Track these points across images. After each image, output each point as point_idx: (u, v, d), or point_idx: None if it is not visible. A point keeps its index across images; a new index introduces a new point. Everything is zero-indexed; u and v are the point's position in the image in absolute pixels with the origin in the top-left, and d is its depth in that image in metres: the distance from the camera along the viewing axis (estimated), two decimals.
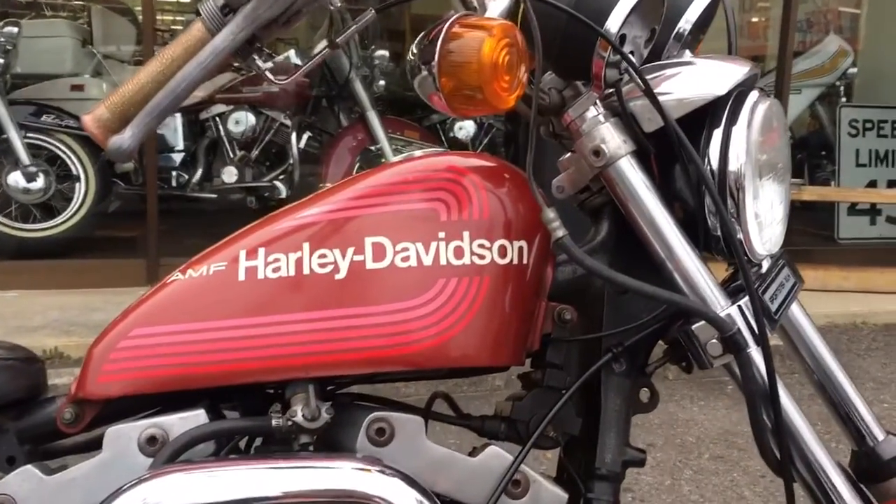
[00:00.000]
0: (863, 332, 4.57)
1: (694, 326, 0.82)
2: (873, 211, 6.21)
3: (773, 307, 0.86)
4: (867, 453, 0.97)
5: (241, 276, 0.82)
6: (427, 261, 0.82)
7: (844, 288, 5.05)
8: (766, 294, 0.87)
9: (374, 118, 4.80)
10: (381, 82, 5.31)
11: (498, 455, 0.85)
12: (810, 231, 6.57)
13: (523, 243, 0.86)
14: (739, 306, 0.82)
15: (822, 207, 6.65)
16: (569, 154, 0.91)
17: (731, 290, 0.87)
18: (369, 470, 0.75)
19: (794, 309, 1.00)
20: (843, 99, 6.44)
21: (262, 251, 0.83)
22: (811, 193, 5.53)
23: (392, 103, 5.62)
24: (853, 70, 6.43)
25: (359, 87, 4.86)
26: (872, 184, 6.21)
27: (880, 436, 0.98)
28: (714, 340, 0.81)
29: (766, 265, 0.94)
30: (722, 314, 0.81)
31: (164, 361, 0.81)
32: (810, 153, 7.32)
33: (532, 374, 0.94)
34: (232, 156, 4.92)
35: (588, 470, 0.90)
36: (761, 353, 0.81)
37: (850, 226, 6.14)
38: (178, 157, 5.03)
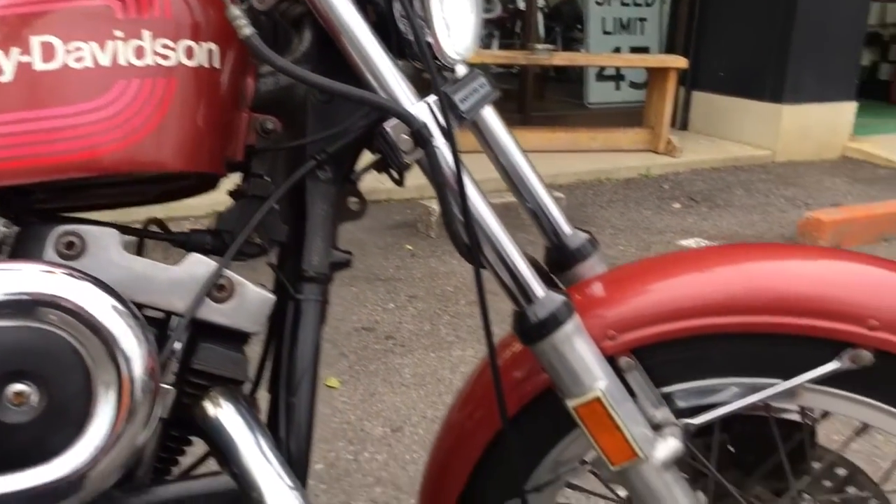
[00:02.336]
0: (606, 186, 4.99)
1: (387, 125, 0.85)
2: (618, 77, 6.68)
3: (463, 107, 0.91)
4: (557, 246, 1.08)
5: None
6: (104, 61, 0.77)
7: (592, 148, 5.45)
8: (458, 95, 0.91)
9: None
10: None
11: (202, 262, 0.85)
12: (563, 98, 6.98)
13: (213, 46, 0.83)
14: (427, 103, 0.86)
15: (574, 77, 7.05)
16: None
17: (426, 94, 0.90)
18: (53, 272, 0.72)
19: (490, 118, 1.06)
20: None
21: None
22: (561, 59, 5.83)
23: None
24: None
25: None
26: (617, 50, 6.66)
27: (568, 231, 1.08)
28: (404, 136, 0.84)
29: (461, 72, 0.98)
30: (411, 110, 0.85)
31: None
32: (565, 24, 7.67)
33: (239, 187, 0.94)
34: None
35: (296, 273, 0.93)
36: (449, 146, 0.86)
37: (598, 91, 6.59)
38: None
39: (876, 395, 0.89)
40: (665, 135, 5.49)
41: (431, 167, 0.86)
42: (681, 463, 1.07)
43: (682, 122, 6.25)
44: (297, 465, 0.89)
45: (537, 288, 0.91)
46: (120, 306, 0.75)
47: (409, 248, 3.79)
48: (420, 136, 0.84)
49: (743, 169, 5.52)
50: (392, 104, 0.84)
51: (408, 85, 0.87)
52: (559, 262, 1.07)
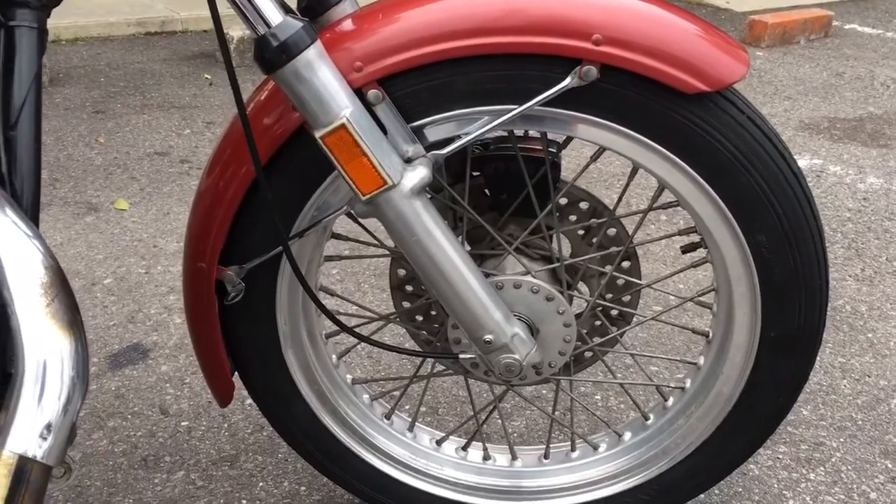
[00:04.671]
0: None
1: None
2: None
3: None
4: None
5: None
6: None
7: None
8: None
9: None
10: None
11: None
12: None
13: None
14: None
15: None
16: None
17: None
18: None
19: None
20: None
21: None
22: None
23: None
24: None
25: None
26: None
27: None
28: None
29: None
30: None
31: None
32: None
33: None
34: None
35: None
36: None
37: None
38: None
39: (605, 113, 0.94)
40: None
41: None
42: (441, 210, 1.12)
43: None
44: (24, 204, 0.84)
45: (275, 13, 0.88)
46: None
47: (208, 77, 3.60)
48: None
49: None
50: None
51: None
52: (312, 8, 1.04)
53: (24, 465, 0.74)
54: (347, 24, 0.97)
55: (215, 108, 3.22)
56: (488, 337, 1.02)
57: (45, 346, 0.76)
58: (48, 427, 0.74)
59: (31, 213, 0.83)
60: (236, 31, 3.78)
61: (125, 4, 4.42)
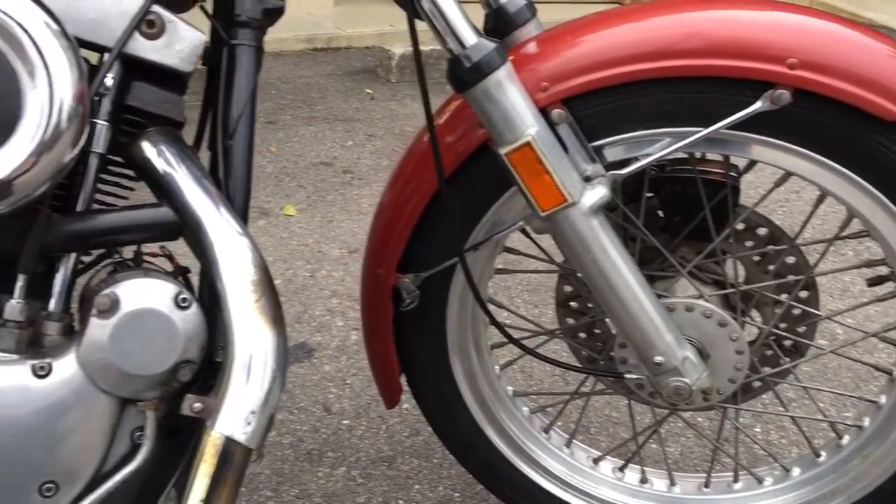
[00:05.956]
0: None
1: None
2: None
3: None
4: (495, 11, 1.07)
5: None
6: None
7: None
8: None
9: None
10: None
11: None
12: None
13: None
14: None
15: None
16: None
17: None
18: None
19: None
20: None
21: None
22: None
23: None
24: None
25: None
26: None
27: None
28: None
29: None
30: None
31: None
32: None
33: None
34: None
35: (229, 18, 0.92)
36: None
37: None
38: None
39: (795, 138, 0.92)
40: None
41: None
42: (613, 228, 1.12)
43: None
44: (236, 206, 0.91)
45: (470, 34, 0.91)
46: (53, 24, 0.75)
47: (369, 91, 3.75)
48: None
49: None
50: None
51: None
52: (498, 28, 1.08)
53: (229, 447, 0.81)
54: (534, 46, 1.00)
55: (376, 122, 3.34)
56: (659, 358, 1.02)
57: (253, 339, 0.82)
58: (252, 413, 0.81)
59: (241, 215, 0.91)
60: (398, 48, 3.91)
61: (295, 21, 4.66)
